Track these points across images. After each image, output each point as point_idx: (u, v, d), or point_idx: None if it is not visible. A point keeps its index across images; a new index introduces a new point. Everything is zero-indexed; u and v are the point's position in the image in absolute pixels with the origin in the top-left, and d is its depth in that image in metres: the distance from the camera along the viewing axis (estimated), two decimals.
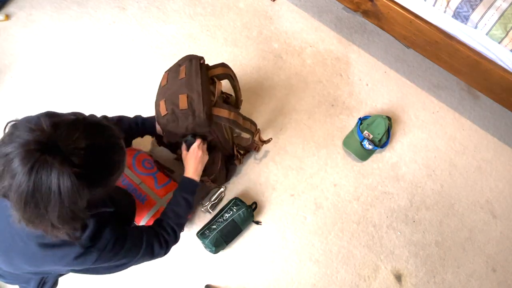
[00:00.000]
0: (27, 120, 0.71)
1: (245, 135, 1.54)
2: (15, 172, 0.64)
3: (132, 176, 1.36)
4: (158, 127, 1.36)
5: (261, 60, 1.92)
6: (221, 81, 1.32)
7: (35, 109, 1.72)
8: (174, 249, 1.56)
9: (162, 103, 1.22)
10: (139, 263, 1.08)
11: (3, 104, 1.74)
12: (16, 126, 0.67)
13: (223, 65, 1.38)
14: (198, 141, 1.28)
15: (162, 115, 1.21)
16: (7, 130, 0.69)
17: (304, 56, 1.96)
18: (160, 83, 1.31)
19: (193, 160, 1.27)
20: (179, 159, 1.39)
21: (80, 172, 0.68)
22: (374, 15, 1.62)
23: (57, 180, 0.65)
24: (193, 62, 1.28)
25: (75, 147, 0.69)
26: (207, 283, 1.55)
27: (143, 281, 1.53)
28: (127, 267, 1.06)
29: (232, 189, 1.68)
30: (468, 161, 1.85)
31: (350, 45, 2.00)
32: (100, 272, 1.05)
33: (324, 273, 1.61)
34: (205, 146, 1.31)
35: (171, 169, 1.60)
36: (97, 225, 0.88)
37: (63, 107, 1.75)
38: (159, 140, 1.45)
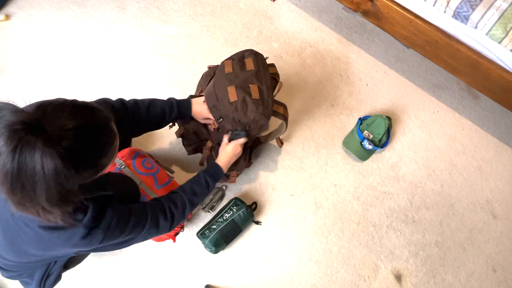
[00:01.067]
0: (13, 102, 0.69)
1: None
2: (0, 152, 0.63)
3: (132, 176, 1.36)
4: (198, 111, 1.30)
5: None
6: (281, 81, 1.38)
7: None
8: (174, 249, 1.57)
9: (232, 89, 1.23)
10: (146, 238, 1.07)
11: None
12: (1, 107, 0.66)
13: (273, 65, 1.44)
14: (244, 139, 1.32)
15: (231, 101, 1.22)
16: None
17: (304, 56, 1.96)
18: (222, 69, 1.30)
19: (231, 153, 1.30)
20: (196, 152, 1.47)
21: (65, 153, 0.66)
22: (374, 15, 1.62)
23: (40, 160, 0.64)
24: (259, 57, 1.34)
25: (60, 127, 0.68)
26: (207, 283, 1.55)
27: (143, 281, 1.53)
28: (134, 243, 1.05)
29: (232, 189, 1.68)
30: (468, 161, 1.85)
31: (350, 45, 2.00)
32: (107, 249, 1.03)
33: (324, 273, 1.61)
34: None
35: (171, 170, 1.60)
36: (97, 206, 0.87)
37: None
38: (185, 129, 1.43)
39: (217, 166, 1.29)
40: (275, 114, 1.36)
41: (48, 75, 1.80)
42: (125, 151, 1.43)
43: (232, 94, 1.23)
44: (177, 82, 1.84)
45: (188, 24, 1.97)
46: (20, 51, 1.83)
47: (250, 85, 1.24)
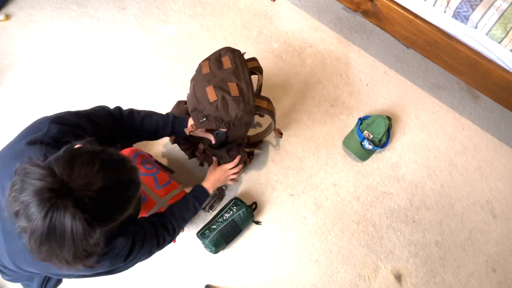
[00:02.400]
0: (37, 164, 0.68)
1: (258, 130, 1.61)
2: (32, 217, 0.65)
3: None
4: (189, 125, 1.31)
5: (261, 60, 1.91)
6: (262, 75, 1.39)
7: (35, 109, 1.72)
8: (174, 249, 1.57)
9: (210, 89, 1.24)
10: (139, 261, 1.08)
11: (3, 104, 1.74)
12: (27, 172, 0.66)
13: (255, 59, 1.43)
14: (233, 163, 1.38)
15: (211, 101, 1.23)
16: (17, 174, 0.68)
17: (304, 56, 1.96)
18: (200, 71, 1.31)
19: (219, 175, 1.35)
20: (195, 156, 1.49)
21: (92, 212, 0.67)
22: (374, 15, 1.62)
23: (70, 222, 0.65)
24: (236, 54, 1.33)
25: (88, 189, 0.68)
26: (207, 283, 1.55)
27: (143, 281, 1.53)
28: (124, 269, 1.06)
29: (232, 188, 1.68)
30: (468, 161, 1.85)
31: (350, 45, 2.00)
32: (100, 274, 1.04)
33: (324, 273, 1.61)
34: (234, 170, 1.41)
35: (171, 170, 1.60)
36: (107, 234, 0.87)
37: (63, 107, 1.75)
38: (178, 138, 1.46)
39: (204, 189, 1.32)
40: (258, 109, 1.35)
41: (48, 75, 1.80)
42: (126, 151, 1.43)
43: (211, 94, 1.23)
44: (177, 82, 1.84)
45: (188, 24, 1.97)
46: (20, 51, 1.83)
47: (228, 83, 1.25)
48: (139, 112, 1.22)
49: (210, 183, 1.35)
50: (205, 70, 1.30)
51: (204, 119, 1.26)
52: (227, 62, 1.30)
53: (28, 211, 0.64)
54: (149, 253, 1.10)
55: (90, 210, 0.67)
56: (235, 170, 1.44)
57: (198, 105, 1.27)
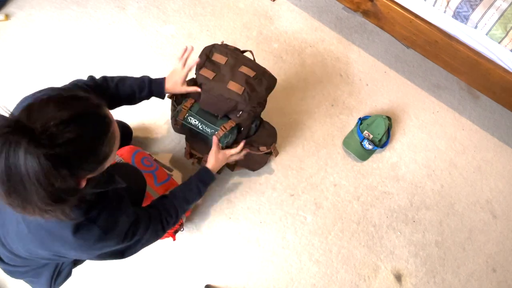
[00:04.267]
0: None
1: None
2: None
3: None
4: (171, 87, 1.26)
5: (261, 60, 1.92)
6: (249, 50, 1.44)
7: None
8: (174, 249, 1.57)
9: (232, 84, 1.26)
10: (142, 248, 1.08)
11: (3, 104, 1.74)
12: None
13: (227, 44, 1.43)
14: (238, 149, 1.37)
15: (241, 93, 1.25)
16: None
17: (304, 56, 1.96)
18: (206, 79, 1.28)
19: (221, 159, 1.33)
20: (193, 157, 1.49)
21: (53, 151, 0.64)
22: (374, 15, 1.62)
23: (24, 161, 0.62)
24: (217, 46, 1.35)
25: (45, 124, 0.64)
26: (207, 283, 1.55)
27: (143, 281, 1.53)
28: (131, 254, 1.06)
29: (232, 188, 1.68)
30: (468, 161, 1.85)
31: (350, 45, 2.00)
32: (107, 257, 1.03)
33: (324, 273, 1.61)
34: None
35: (169, 168, 1.61)
36: (111, 208, 0.88)
37: None
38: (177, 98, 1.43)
39: (208, 171, 1.29)
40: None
41: (48, 75, 1.80)
42: (125, 149, 1.44)
43: (236, 86, 1.26)
44: None
45: (188, 24, 1.97)
46: (20, 51, 1.83)
47: (239, 70, 1.29)
48: (112, 78, 1.19)
49: (212, 165, 1.31)
50: (210, 75, 1.29)
51: (240, 112, 1.31)
52: (219, 58, 1.32)
53: None
54: (156, 236, 1.11)
55: (48, 146, 0.63)
56: (236, 157, 1.41)
57: (229, 104, 1.29)
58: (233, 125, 1.33)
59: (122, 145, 1.40)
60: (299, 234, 1.65)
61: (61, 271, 1.12)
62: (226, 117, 1.36)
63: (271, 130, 1.50)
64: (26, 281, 1.15)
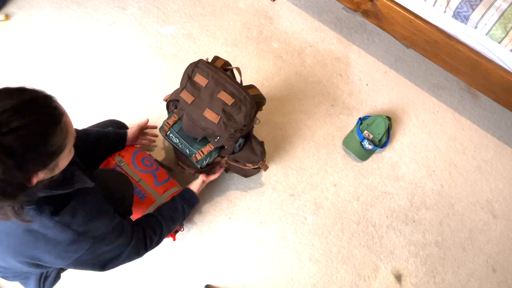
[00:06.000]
0: None
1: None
2: None
3: (131, 173, 1.36)
4: (131, 138, 1.42)
5: (261, 60, 1.92)
6: (237, 67, 1.38)
7: None
8: (174, 249, 1.57)
9: (208, 112, 1.23)
10: (123, 263, 1.04)
11: None
12: None
13: (217, 57, 1.40)
14: (217, 175, 1.48)
15: (216, 122, 1.22)
16: None
17: (304, 56, 1.96)
18: (185, 102, 1.28)
19: (204, 185, 1.44)
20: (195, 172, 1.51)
21: None
22: (374, 15, 1.62)
23: None
24: (200, 66, 1.29)
25: None
26: (207, 283, 1.55)
27: (143, 281, 1.53)
28: (111, 267, 1.02)
29: (232, 188, 1.68)
30: (468, 161, 1.85)
31: (350, 45, 2.00)
32: (83, 265, 0.98)
33: (324, 273, 1.61)
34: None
35: (170, 168, 1.60)
36: (88, 209, 0.84)
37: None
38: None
39: (193, 193, 1.37)
40: (256, 97, 1.33)
41: (48, 75, 1.80)
42: (125, 148, 1.44)
43: (212, 116, 1.23)
44: (177, 82, 1.84)
45: (188, 24, 1.97)
46: (20, 51, 1.83)
47: (218, 96, 1.24)
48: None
49: (197, 189, 1.40)
50: (189, 99, 1.27)
51: (218, 138, 1.27)
52: (201, 79, 1.27)
53: None
54: (137, 254, 1.08)
55: None
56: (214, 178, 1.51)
57: (206, 131, 1.27)
58: (211, 149, 1.32)
59: (121, 146, 1.41)
60: (299, 234, 1.65)
61: (48, 276, 1.10)
62: (206, 139, 1.34)
63: (258, 149, 1.42)
64: (21, 283, 1.15)
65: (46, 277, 1.11)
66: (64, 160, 0.78)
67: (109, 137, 1.36)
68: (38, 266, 0.93)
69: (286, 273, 1.59)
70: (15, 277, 1.09)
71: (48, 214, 0.79)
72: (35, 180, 0.72)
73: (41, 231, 0.81)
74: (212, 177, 1.48)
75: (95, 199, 0.90)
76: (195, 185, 1.40)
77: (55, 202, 0.80)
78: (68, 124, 0.76)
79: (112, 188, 1.01)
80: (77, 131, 1.10)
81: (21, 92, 0.71)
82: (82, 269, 0.98)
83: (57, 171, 0.78)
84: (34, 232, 0.81)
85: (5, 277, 1.10)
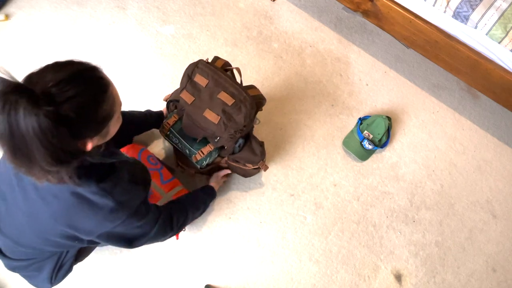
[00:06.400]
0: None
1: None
2: None
3: None
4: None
5: (261, 60, 1.92)
6: (236, 67, 1.38)
7: None
8: (174, 248, 1.57)
9: (209, 113, 1.23)
10: (149, 242, 1.09)
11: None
12: None
13: (217, 57, 1.40)
14: (225, 170, 1.53)
15: (216, 123, 1.22)
16: None
17: (304, 56, 1.96)
18: (186, 103, 1.28)
19: (219, 179, 1.52)
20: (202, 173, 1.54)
21: (52, 110, 0.66)
22: (374, 15, 1.62)
23: (24, 119, 0.64)
24: (200, 66, 1.29)
25: (44, 85, 0.68)
26: (207, 283, 1.55)
27: (143, 281, 1.53)
28: (138, 244, 1.06)
29: (232, 188, 1.68)
30: (468, 161, 1.85)
31: (350, 45, 2.00)
32: (114, 241, 1.03)
33: (324, 273, 1.61)
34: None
35: (172, 168, 1.61)
36: (126, 181, 0.91)
37: None
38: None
39: (213, 189, 1.45)
40: (255, 98, 1.33)
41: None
42: (129, 147, 1.45)
43: (212, 116, 1.23)
44: (177, 82, 1.84)
45: (188, 24, 1.97)
46: (20, 51, 1.83)
47: (218, 96, 1.24)
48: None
49: (215, 185, 1.49)
50: (189, 99, 1.27)
51: (218, 138, 1.27)
52: (201, 80, 1.27)
53: None
54: (164, 232, 1.13)
55: (47, 105, 0.66)
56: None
57: (206, 132, 1.27)
58: (211, 150, 1.32)
59: (125, 143, 1.42)
60: (299, 234, 1.65)
61: (63, 265, 1.13)
62: (206, 139, 1.34)
63: (257, 149, 1.42)
64: (26, 276, 1.15)
65: (60, 267, 1.13)
66: (114, 127, 0.85)
67: (153, 115, 1.48)
68: (70, 239, 0.96)
69: (286, 273, 1.59)
70: (29, 266, 1.09)
71: (94, 180, 0.85)
72: (90, 146, 0.78)
73: (86, 195, 0.85)
74: (222, 172, 1.54)
75: (131, 174, 0.95)
76: (214, 183, 1.49)
77: (100, 170, 0.86)
78: (114, 92, 0.83)
79: (137, 171, 1.05)
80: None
81: (70, 64, 0.77)
82: (112, 244, 1.01)
83: (108, 137, 0.86)
84: (80, 196, 0.85)
85: (15, 268, 1.11)
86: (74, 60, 0.79)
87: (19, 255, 1.07)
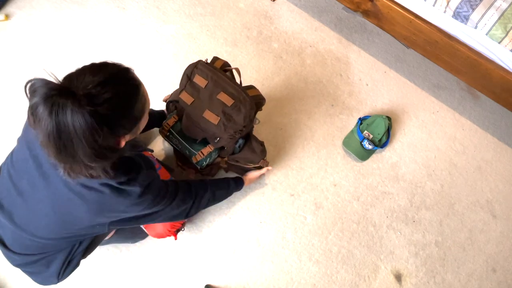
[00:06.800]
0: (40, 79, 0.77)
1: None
2: (41, 117, 0.72)
3: None
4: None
5: (261, 60, 1.92)
6: (236, 67, 1.38)
7: None
8: (174, 248, 1.57)
9: (208, 114, 1.24)
10: (173, 211, 1.15)
11: (4, 105, 1.74)
12: (34, 84, 0.74)
13: (217, 58, 1.40)
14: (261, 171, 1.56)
15: (216, 123, 1.23)
16: (27, 90, 0.75)
17: (304, 56, 1.96)
18: (185, 103, 1.28)
19: (254, 177, 1.56)
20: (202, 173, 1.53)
21: (94, 110, 0.73)
22: (374, 15, 1.62)
23: (71, 119, 0.71)
24: (200, 67, 1.29)
25: (84, 87, 0.74)
26: (207, 283, 1.55)
27: (143, 281, 1.53)
28: (155, 220, 1.12)
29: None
30: (468, 161, 1.85)
31: (350, 45, 2.00)
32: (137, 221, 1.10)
33: (324, 273, 1.61)
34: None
35: (170, 168, 1.61)
36: (146, 169, 0.98)
37: None
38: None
39: (243, 182, 1.49)
40: (255, 98, 1.33)
41: (48, 75, 1.80)
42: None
43: (212, 117, 1.23)
44: (177, 82, 1.83)
45: (188, 24, 1.97)
46: (20, 51, 1.83)
47: (217, 97, 1.24)
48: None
49: (247, 182, 1.53)
50: (188, 100, 1.27)
51: (217, 139, 1.27)
52: (200, 80, 1.27)
53: (37, 113, 0.71)
54: (183, 202, 1.17)
55: (90, 106, 0.72)
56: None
57: (206, 132, 1.27)
58: (211, 150, 1.32)
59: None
60: (299, 234, 1.65)
61: (73, 259, 1.15)
62: (206, 140, 1.34)
63: (258, 148, 1.43)
64: (31, 273, 1.14)
65: (70, 261, 1.14)
66: (143, 124, 0.92)
67: (155, 114, 1.53)
68: (96, 227, 1.02)
69: (286, 273, 1.59)
70: (37, 261, 1.10)
71: (122, 171, 0.91)
72: (123, 143, 0.86)
73: (116, 185, 0.91)
74: (259, 172, 1.57)
75: (144, 161, 1.02)
76: (247, 181, 1.53)
77: (125, 163, 0.93)
78: (145, 92, 0.90)
79: (144, 157, 1.10)
80: None
81: (106, 66, 0.85)
82: (139, 222, 1.09)
83: (138, 133, 0.93)
84: (111, 186, 0.91)
85: (20, 264, 1.10)
86: (109, 62, 0.87)
87: (31, 250, 1.07)
